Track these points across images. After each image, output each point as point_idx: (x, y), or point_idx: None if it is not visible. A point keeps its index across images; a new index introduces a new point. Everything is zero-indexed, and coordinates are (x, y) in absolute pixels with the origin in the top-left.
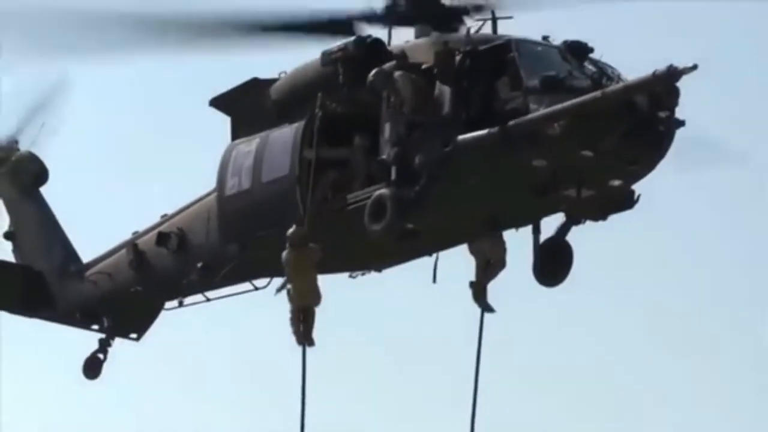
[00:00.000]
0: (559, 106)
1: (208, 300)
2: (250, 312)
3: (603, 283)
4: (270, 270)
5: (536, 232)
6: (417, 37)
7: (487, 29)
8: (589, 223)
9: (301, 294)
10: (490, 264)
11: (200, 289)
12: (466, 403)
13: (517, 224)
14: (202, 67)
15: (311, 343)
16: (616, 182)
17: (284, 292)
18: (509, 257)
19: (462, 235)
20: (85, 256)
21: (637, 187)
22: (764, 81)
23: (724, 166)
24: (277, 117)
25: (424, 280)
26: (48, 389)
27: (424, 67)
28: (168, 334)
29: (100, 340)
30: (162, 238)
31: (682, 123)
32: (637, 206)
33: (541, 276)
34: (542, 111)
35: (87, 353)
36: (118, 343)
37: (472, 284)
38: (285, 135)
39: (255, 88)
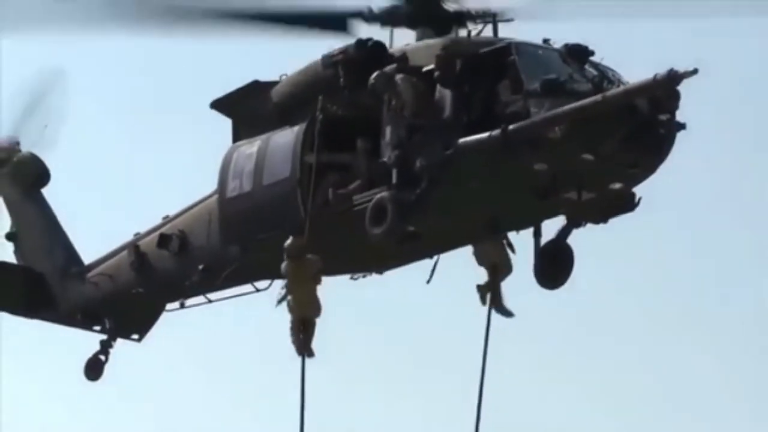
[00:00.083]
0: (559, 110)
1: (210, 301)
2: (251, 313)
3: (604, 285)
4: (271, 272)
5: (537, 234)
6: (418, 40)
7: (487, 32)
8: (590, 226)
9: (301, 305)
10: (497, 269)
11: (201, 290)
12: (468, 404)
13: (518, 227)
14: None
15: (310, 354)
16: (617, 185)
17: (284, 303)
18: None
19: (463, 237)
20: (87, 257)
21: (638, 190)
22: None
23: None
24: (278, 119)
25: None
26: (49, 390)
27: (425, 70)
28: (169, 334)
29: (102, 342)
30: (163, 240)
31: (682, 126)
32: (638, 209)
33: (542, 278)
34: (543, 115)
35: (88, 354)
36: (120, 344)
37: (479, 288)
38: (286, 138)
39: (256, 90)
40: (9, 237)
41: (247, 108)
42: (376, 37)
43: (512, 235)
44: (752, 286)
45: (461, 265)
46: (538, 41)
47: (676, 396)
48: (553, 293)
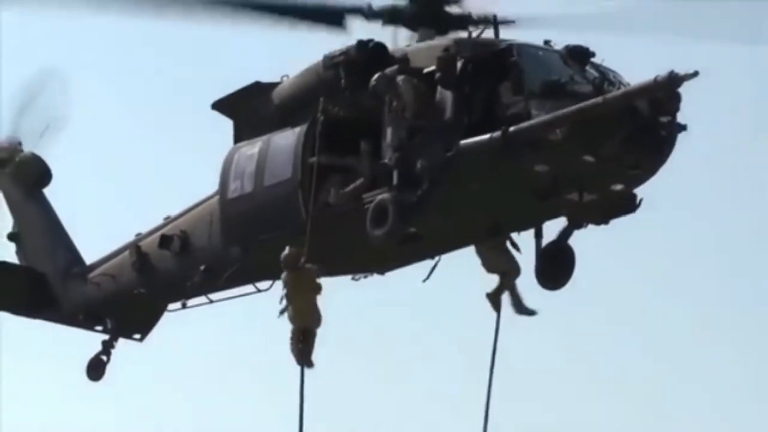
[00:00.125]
0: (560, 112)
1: (211, 302)
2: (252, 313)
3: (605, 286)
4: (272, 273)
5: (538, 235)
6: (419, 41)
7: (488, 34)
8: (591, 227)
9: (301, 315)
10: (506, 275)
11: (203, 291)
12: (467, 405)
13: (519, 228)
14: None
15: (310, 365)
16: (618, 186)
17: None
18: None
19: (465, 238)
20: (88, 257)
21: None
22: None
23: None
24: (280, 120)
25: (427, 282)
26: (51, 390)
27: (426, 71)
28: (170, 335)
29: (104, 342)
30: (165, 241)
31: (683, 127)
32: (639, 210)
33: (543, 279)
34: (544, 117)
35: (90, 355)
36: (121, 344)
37: (489, 296)
38: (287, 139)
39: (257, 91)
40: (11, 237)
41: (249, 109)
42: (375, 37)
43: (513, 236)
44: (754, 286)
45: (461, 266)
46: (539, 43)
47: (676, 396)
48: (554, 294)
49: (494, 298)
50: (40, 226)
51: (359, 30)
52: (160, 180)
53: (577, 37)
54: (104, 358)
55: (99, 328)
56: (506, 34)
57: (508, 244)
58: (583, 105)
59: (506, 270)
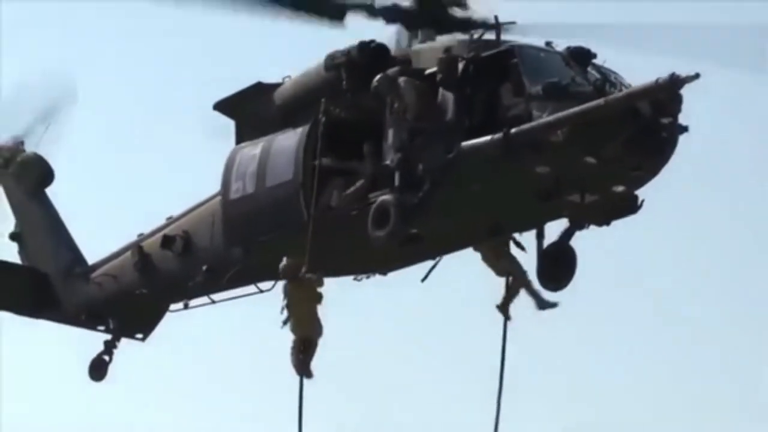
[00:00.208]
0: (561, 114)
1: (213, 302)
2: (254, 314)
3: (606, 287)
4: (274, 273)
5: (540, 236)
6: (421, 42)
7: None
8: (592, 228)
9: (302, 325)
10: (517, 276)
11: (205, 291)
12: (468, 406)
13: (521, 229)
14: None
15: (309, 375)
16: (620, 188)
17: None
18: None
19: (467, 239)
20: (90, 257)
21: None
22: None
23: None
24: (281, 121)
25: (428, 283)
26: (53, 391)
27: (427, 72)
28: (172, 335)
29: (106, 342)
30: (167, 241)
31: (685, 129)
32: (640, 211)
33: (544, 280)
34: (545, 118)
35: (92, 355)
36: (123, 344)
37: (499, 308)
38: (289, 140)
39: (259, 92)
40: (13, 237)
41: (250, 110)
42: (376, 36)
43: (516, 236)
44: (755, 286)
45: (464, 267)
46: (541, 44)
47: (677, 397)
48: (556, 295)
49: (504, 308)
50: (42, 226)
51: (361, 28)
52: (162, 180)
53: (579, 38)
54: (106, 358)
55: (101, 328)
56: (508, 35)
57: (512, 245)
58: (585, 107)
59: (513, 272)
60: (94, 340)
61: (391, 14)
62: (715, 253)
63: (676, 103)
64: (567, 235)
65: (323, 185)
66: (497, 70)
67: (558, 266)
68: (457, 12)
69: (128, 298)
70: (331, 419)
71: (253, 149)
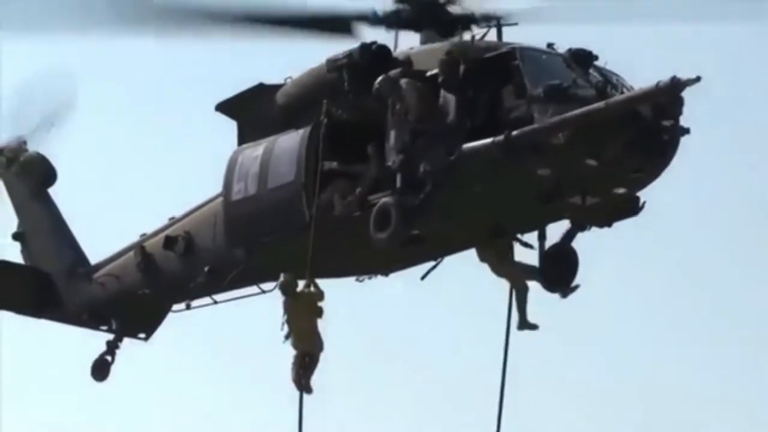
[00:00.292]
0: (563, 116)
1: (216, 303)
2: (256, 314)
3: (607, 287)
4: (276, 274)
5: (542, 238)
6: (423, 43)
7: (491, 36)
8: (594, 229)
9: (302, 340)
10: (519, 287)
11: (207, 292)
12: (470, 407)
13: (522, 231)
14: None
15: (309, 390)
16: (621, 190)
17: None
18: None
19: (468, 241)
20: (93, 257)
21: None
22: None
23: None
24: (283, 122)
25: (430, 283)
26: (55, 391)
27: (429, 74)
28: (173, 334)
29: (108, 342)
30: (169, 242)
31: (687, 131)
32: (642, 212)
33: (546, 282)
34: (546, 121)
35: (95, 355)
36: (125, 344)
37: (519, 328)
38: (291, 141)
39: (261, 93)
40: (16, 237)
41: (252, 111)
42: (380, 41)
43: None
44: (757, 287)
45: (466, 267)
46: (542, 46)
47: (677, 398)
48: (557, 296)
49: (524, 323)
50: (44, 225)
51: (365, 35)
52: (164, 180)
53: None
54: (109, 358)
55: (104, 328)
56: (509, 36)
57: (518, 245)
58: (586, 109)
59: (516, 280)
60: (96, 341)
61: (392, 20)
62: (715, 253)
63: (677, 105)
64: (568, 236)
65: (325, 186)
66: (499, 72)
67: (560, 268)
68: (457, 12)
69: (131, 299)
70: (331, 419)
71: (255, 150)
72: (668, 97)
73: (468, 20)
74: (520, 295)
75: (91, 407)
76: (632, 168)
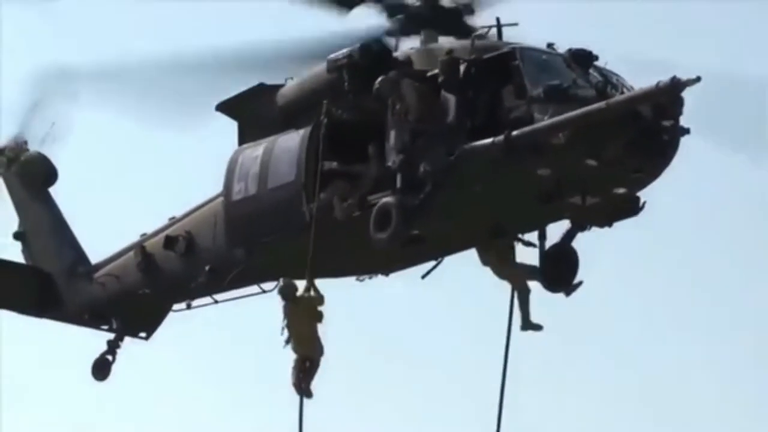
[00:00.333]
0: (562, 117)
1: (216, 302)
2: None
3: (608, 288)
4: (277, 274)
5: (542, 238)
6: (423, 43)
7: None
8: (594, 229)
9: (302, 344)
10: (521, 287)
11: (208, 291)
12: (470, 408)
13: (522, 231)
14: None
15: (309, 395)
16: (621, 190)
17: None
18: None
19: (468, 240)
20: (94, 257)
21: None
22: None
23: None
24: (284, 122)
25: (430, 283)
26: (57, 390)
27: (429, 74)
28: (174, 334)
29: (109, 342)
30: (170, 242)
31: (687, 131)
32: (642, 212)
33: (546, 282)
34: (546, 121)
35: (96, 354)
36: (126, 344)
37: (523, 328)
38: (291, 141)
39: (261, 93)
40: (17, 236)
41: (252, 111)
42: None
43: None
44: (757, 287)
45: (465, 267)
46: (543, 46)
47: (678, 398)
48: (558, 296)
49: (528, 324)
50: (45, 225)
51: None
52: (164, 180)
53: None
54: (109, 357)
55: (104, 327)
56: (510, 36)
57: (520, 245)
58: (586, 110)
59: (518, 281)
60: (97, 340)
61: (395, 8)
62: (716, 253)
63: (677, 106)
64: (569, 236)
65: (325, 186)
66: (499, 72)
67: (560, 267)
68: (458, 12)
69: (131, 298)
70: (331, 419)
71: (256, 150)
72: (668, 97)
73: (464, 12)
74: (523, 297)
75: (92, 407)
76: (632, 168)
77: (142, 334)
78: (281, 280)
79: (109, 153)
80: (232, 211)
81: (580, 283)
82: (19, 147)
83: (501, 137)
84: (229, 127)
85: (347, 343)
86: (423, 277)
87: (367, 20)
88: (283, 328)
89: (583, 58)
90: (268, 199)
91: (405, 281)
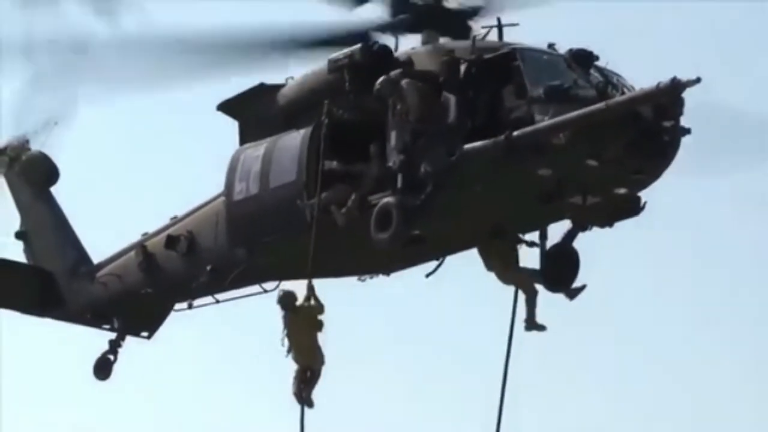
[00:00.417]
0: (563, 118)
1: (218, 302)
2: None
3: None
4: (278, 274)
5: (543, 238)
6: (424, 43)
7: (492, 37)
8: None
9: (302, 354)
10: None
11: (209, 291)
12: (470, 409)
13: (523, 231)
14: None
15: (310, 404)
16: (622, 190)
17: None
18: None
19: (469, 240)
20: (95, 256)
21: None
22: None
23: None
24: (285, 122)
25: (432, 283)
26: (58, 390)
27: (429, 75)
28: (176, 334)
29: (111, 341)
30: (171, 241)
31: (687, 131)
32: (643, 212)
33: (547, 282)
34: (547, 122)
35: (97, 354)
36: (128, 343)
37: (527, 328)
38: (292, 141)
39: (262, 93)
40: (18, 236)
41: (254, 110)
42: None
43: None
44: (757, 286)
45: (467, 267)
46: (543, 46)
47: (678, 399)
48: (558, 296)
49: (532, 324)
50: (47, 224)
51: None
52: (166, 180)
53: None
54: (111, 357)
55: (106, 327)
56: (510, 37)
57: (523, 245)
58: (587, 110)
59: (523, 284)
60: (98, 340)
61: (398, 26)
62: (716, 253)
63: (677, 106)
64: (569, 236)
65: (326, 186)
66: (499, 72)
67: (561, 267)
68: (458, 12)
69: (133, 298)
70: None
71: (257, 150)
72: (669, 97)
73: (466, 15)
74: (530, 299)
75: (94, 406)
76: (633, 169)
77: (144, 334)
78: (280, 290)
79: (110, 152)
80: (233, 210)
81: (584, 286)
82: (20, 146)
83: (502, 137)
84: (230, 127)
85: (347, 344)
86: (428, 275)
87: (370, 16)
88: (282, 339)
89: (583, 59)
90: (269, 199)
91: (406, 281)
